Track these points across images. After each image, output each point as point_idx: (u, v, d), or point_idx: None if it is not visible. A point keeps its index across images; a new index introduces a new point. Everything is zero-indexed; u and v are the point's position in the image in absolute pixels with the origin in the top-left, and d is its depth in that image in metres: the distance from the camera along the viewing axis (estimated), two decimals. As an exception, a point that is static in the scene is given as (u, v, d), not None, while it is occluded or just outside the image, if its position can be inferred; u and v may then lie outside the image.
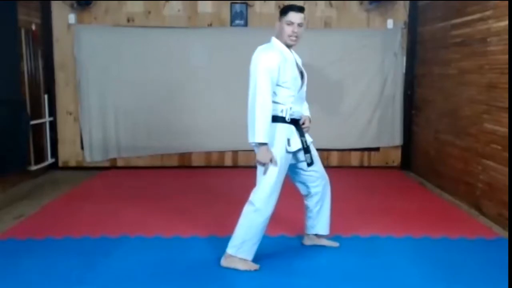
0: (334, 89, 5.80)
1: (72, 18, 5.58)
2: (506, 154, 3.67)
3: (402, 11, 5.74)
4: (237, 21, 5.61)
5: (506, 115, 3.67)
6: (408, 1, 5.71)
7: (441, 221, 3.90)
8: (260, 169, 2.86)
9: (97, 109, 5.65)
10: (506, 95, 3.67)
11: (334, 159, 5.97)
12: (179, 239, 3.44)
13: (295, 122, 2.92)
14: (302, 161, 3.01)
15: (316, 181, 3.14)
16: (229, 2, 5.61)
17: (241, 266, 2.90)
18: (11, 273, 2.87)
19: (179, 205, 4.28)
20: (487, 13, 4.00)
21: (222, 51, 5.55)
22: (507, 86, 3.66)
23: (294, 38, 2.85)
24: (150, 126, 5.73)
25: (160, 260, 3.06)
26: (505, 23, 3.71)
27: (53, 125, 5.71)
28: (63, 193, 4.71)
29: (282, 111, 2.84)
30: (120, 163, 5.85)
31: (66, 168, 5.79)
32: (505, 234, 3.60)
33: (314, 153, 3.10)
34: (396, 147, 5.96)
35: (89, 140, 5.70)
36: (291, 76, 2.85)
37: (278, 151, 2.84)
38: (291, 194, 4.55)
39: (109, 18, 5.62)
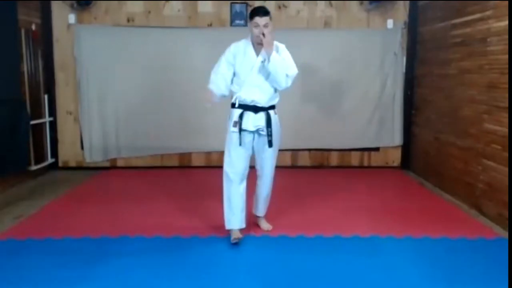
0: (334, 89, 5.79)
1: (72, 18, 5.58)
2: (506, 154, 3.67)
3: (402, 11, 5.74)
4: (237, 21, 5.61)
5: (506, 115, 3.67)
6: (408, 1, 5.71)
7: (441, 221, 3.90)
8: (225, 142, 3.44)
9: (97, 109, 5.65)
10: (506, 95, 3.67)
11: (334, 159, 5.97)
12: (179, 239, 3.44)
13: (245, 107, 3.33)
14: (257, 145, 3.43)
15: (259, 167, 3.52)
16: (229, 2, 5.62)
17: (232, 238, 3.35)
18: (11, 273, 2.87)
19: (179, 205, 4.28)
20: (487, 13, 4.00)
21: (222, 51, 5.54)
22: (507, 86, 3.66)
23: (260, 38, 3.24)
24: (150, 126, 5.73)
25: (160, 260, 3.06)
26: (505, 23, 3.71)
27: (53, 125, 5.71)
28: (63, 193, 4.71)
29: (234, 98, 3.37)
30: (120, 163, 5.85)
31: (66, 168, 5.79)
32: (505, 234, 3.60)
33: (268, 150, 3.42)
34: (396, 147, 5.96)
35: (89, 140, 5.70)
36: (243, 69, 3.32)
37: (229, 132, 3.38)
38: (291, 194, 4.56)
39: (109, 18, 5.62)
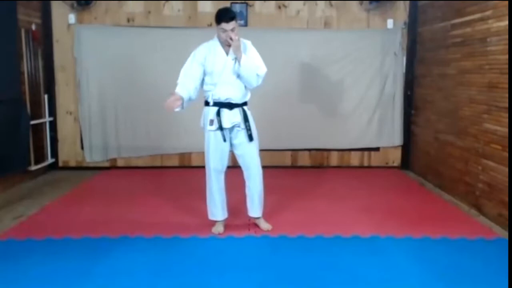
0: (334, 89, 5.79)
1: (72, 18, 5.58)
2: (506, 154, 3.67)
3: (402, 11, 5.74)
4: (237, 21, 5.60)
5: (506, 115, 3.67)
6: (408, 1, 5.71)
7: (441, 221, 3.90)
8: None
9: (97, 109, 5.65)
10: (506, 95, 3.67)
11: (334, 159, 5.97)
12: (179, 239, 3.44)
13: (220, 104, 3.42)
14: (237, 141, 3.50)
15: (244, 166, 3.57)
16: (229, 2, 5.62)
17: (213, 228, 3.59)
18: (11, 273, 2.87)
19: (179, 205, 4.28)
20: (487, 13, 4.00)
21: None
22: (507, 86, 3.66)
23: (229, 41, 3.31)
24: (150, 126, 5.73)
25: (160, 259, 3.06)
26: (505, 23, 3.71)
27: (53, 125, 5.71)
28: (63, 193, 4.71)
29: (208, 97, 3.45)
30: (120, 163, 5.85)
31: (66, 168, 5.79)
32: (505, 234, 3.60)
33: (249, 145, 3.50)
34: (396, 147, 5.96)
35: (89, 140, 5.70)
36: (215, 67, 3.38)
37: (206, 130, 3.49)
38: (291, 194, 4.56)
39: (109, 18, 5.62)
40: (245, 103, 3.51)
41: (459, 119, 4.52)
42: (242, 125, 3.45)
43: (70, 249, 3.24)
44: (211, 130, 3.43)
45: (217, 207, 3.58)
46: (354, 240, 3.44)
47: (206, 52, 3.41)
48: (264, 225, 3.66)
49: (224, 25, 3.29)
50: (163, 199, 4.50)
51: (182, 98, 3.33)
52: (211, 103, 3.42)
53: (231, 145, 3.53)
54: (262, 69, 3.45)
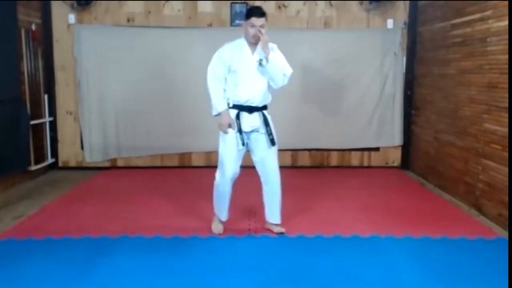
0: (334, 89, 5.79)
1: (72, 18, 5.58)
2: (506, 154, 3.67)
3: (402, 11, 5.74)
4: (237, 21, 5.61)
5: (506, 115, 3.67)
6: (408, 1, 5.71)
7: (441, 221, 3.90)
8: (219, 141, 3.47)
9: (97, 109, 5.65)
10: (506, 95, 3.67)
11: (334, 159, 5.97)
12: (179, 239, 3.44)
13: (240, 107, 3.36)
14: (256, 145, 3.43)
15: (262, 172, 3.49)
16: (229, 2, 5.62)
17: (213, 229, 3.58)
18: (11, 273, 2.87)
19: (179, 205, 4.28)
20: (487, 13, 4.00)
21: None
22: (507, 86, 3.66)
23: (256, 38, 3.29)
24: (150, 126, 5.73)
25: (160, 260, 3.06)
26: (505, 23, 3.71)
27: (53, 125, 5.71)
28: (63, 193, 4.71)
29: (228, 98, 3.37)
30: (120, 163, 5.85)
31: (66, 168, 5.79)
32: (505, 234, 3.60)
33: (269, 150, 3.44)
34: (396, 147, 5.96)
35: (89, 140, 5.70)
36: (240, 67, 3.32)
37: (226, 134, 3.39)
38: (291, 194, 4.56)
39: (109, 18, 5.62)
40: (265, 107, 3.43)
41: (459, 119, 4.52)
42: (263, 129, 3.37)
43: (70, 249, 3.24)
44: (229, 133, 3.36)
45: (224, 210, 3.55)
46: (354, 240, 3.44)
47: (231, 51, 3.35)
48: (279, 229, 3.56)
49: (254, 20, 3.26)
50: (163, 199, 4.50)
51: (228, 110, 3.35)
52: (231, 105, 3.36)
53: (249, 150, 3.46)
54: (288, 70, 3.39)
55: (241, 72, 3.33)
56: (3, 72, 4.56)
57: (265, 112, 3.42)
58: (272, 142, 3.39)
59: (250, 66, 3.34)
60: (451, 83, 4.71)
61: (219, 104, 3.34)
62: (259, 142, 3.41)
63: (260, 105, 3.39)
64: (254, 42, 3.31)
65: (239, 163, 3.43)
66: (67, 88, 5.71)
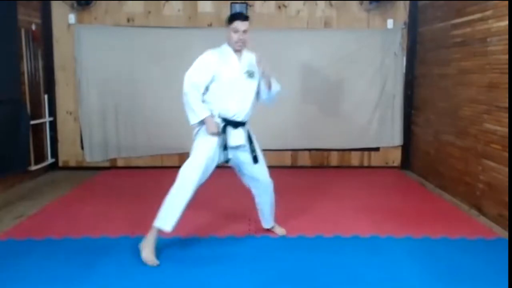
0: (334, 89, 5.79)
1: (72, 18, 5.58)
2: (506, 154, 3.67)
3: (402, 11, 5.74)
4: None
5: (506, 115, 3.67)
6: (408, 1, 5.71)
7: (441, 221, 3.90)
8: (194, 146, 3.22)
9: (97, 109, 5.66)
10: (506, 95, 3.67)
11: (334, 159, 5.97)
12: (179, 239, 3.43)
13: (226, 121, 3.14)
14: (241, 161, 3.25)
15: (254, 184, 3.36)
16: (229, 2, 5.62)
17: (144, 253, 3.04)
18: (11, 273, 2.87)
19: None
20: (487, 13, 4.00)
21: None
22: (507, 86, 3.66)
23: (240, 44, 3.11)
24: (150, 126, 5.73)
25: (160, 260, 3.06)
26: (505, 23, 3.71)
27: (53, 125, 5.71)
28: (63, 193, 4.71)
29: (212, 110, 3.13)
30: (120, 163, 5.85)
31: (66, 168, 5.79)
32: (505, 234, 3.60)
33: (259, 157, 3.29)
34: (396, 147, 5.96)
35: (89, 140, 5.70)
36: (228, 77, 3.10)
37: (208, 142, 3.15)
38: (291, 194, 4.56)
39: (109, 18, 5.62)
40: (246, 122, 3.24)
41: (459, 119, 4.52)
42: (247, 147, 3.20)
43: (70, 249, 3.24)
44: (214, 140, 3.13)
45: (176, 218, 3.09)
46: (354, 240, 3.44)
47: (217, 57, 3.11)
48: (279, 230, 3.55)
49: (237, 24, 3.05)
50: (163, 199, 4.48)
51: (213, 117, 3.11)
52: (217, 117, 3.14)
53: (233, 166, 3.32)
54: (279, 86, 3.28)
55: (229, 82, 3.11)
56: (3, 72, 4.56)
57: (248, 127, 3.25)
58: (255, 160, 3.22)
59: (238, 76, 3.13)
60: (451, 83, 4.71)
61: (201, 110, 3.08)
62: (246, 159, 3.24)
63: (246, 119, 3.20)
64: (238, 49, 3.13)
65: (210, 173, 3.19)
66: (67, 88, 5.71)
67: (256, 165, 3.27)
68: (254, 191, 3.41)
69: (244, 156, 3.24)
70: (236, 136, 3.17)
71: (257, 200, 3.45)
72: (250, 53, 3.22)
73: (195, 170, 3.10)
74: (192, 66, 3.14)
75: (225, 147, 3.13)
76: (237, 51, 3.15)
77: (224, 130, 3.13)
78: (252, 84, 3.20)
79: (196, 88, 3.09)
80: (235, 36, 3.08)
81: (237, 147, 3.19)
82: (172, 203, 3.12)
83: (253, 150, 3.21)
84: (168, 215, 3.08)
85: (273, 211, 3.51)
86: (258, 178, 3.32)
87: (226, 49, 3.17)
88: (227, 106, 3.12)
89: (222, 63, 3.11)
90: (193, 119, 3.14)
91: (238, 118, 3.16)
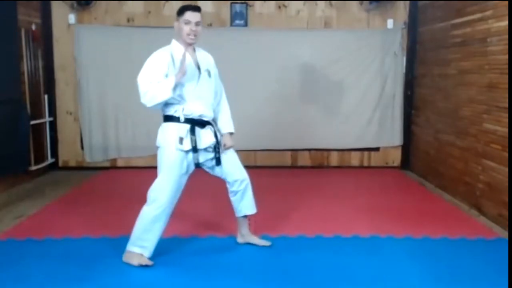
0: (334, 89, 5.79)
1: (72, 18, 5.58)
2: (506, 154, 3.67)
3: (402, 11, 5.75)
4: (237, 21, 5.60)
5: (506, 115, 3.67)
6: (408, 1, 5.72)
7: (441, 221, 3.90)
8: (158, 163, 2.99)
9: (97, 109, 5.66)
10: (506, 95, 3.67)
11: (334, 159, 5.97)
12: (179, 239, 3.43)
13: (193, 121, 2.94)
14: (209, 160, 3.06)
15: (231, 181, 3.15)
16: (229, 2, 5.62)
17: (135, 261, 2.94)
18: (11, 273, 2.87)
19: (178, 205, 4.26)
20: (487, 13, 4.00)
21: (222, 51, 5.54)
22: (507, 86, 3.66)
23: (192, 37, 2.91)
24: (150, 126, 5.70)
25: (159, 260, 3.05)
26: (505, 23, 3.71)
27: (53, 125, 5.71)
28: (63, 193, 4.71)
29: (176, 111, 2.93)
30: (120, 163, 5.85)
31: (66, 168, 5.79)
32: (505, 234, 3.60)
33: (231, 156, 3.14)
34: (396, 147, 5.96)
35: (89, 140, 5.70)
36: (187, 79, 2.88)
37: (170, 150, 2.91)
38: (291, 194, 4.55)
39: (109, 18, 5.62)
40: (212, 120, 3.07)
41: (459, 119, 4.52)
42: (211, 148, 3.01)
43: (70, 249, 3.24)
44: (182, 150, 2.90)
45: (152, 243, 2.96)
46: (354, 240, 3.43)
47: (170, 56, 2.94)
48: (260, 241, 3.32)
49: (189, 15, 2.85)
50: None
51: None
52: (182, 119, 2.91)
53: (206, 169, 3.13)
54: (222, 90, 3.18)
55: (189, 85, 2.92)
56: (3, 72, 4.56)
57: (214, 126, 3.08)
58: (217, 161, 3.02)
59: (195, 74, 2.95)
60: (451, 83, 4.71)
61: (166, 82, 2.84)
62: (209, 159, 3.05)
63: (211, 119, 3.04)
64: (190, 42, 2.92)
65: (182, 186, 3.03)
66: (67, 88, 5.71)
67: (231, 163, 3.11)
68: (230, 185, 3.19)
69: (210, 159, 3.06)
70: (207, 136, 2.99)
71: (231, 188, 3.19)
72: (205, 52, 3.10)
73: (162, 189, 2.96)
74: (143, 68, 2.99)
75: (194, 149, 2.93)
76: (189, 45, 2.95)
77: (193, 132, 2.92)
78: (211, 83, 3.05)
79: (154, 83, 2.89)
80: (186, 28, 2.88)
81: (205, 149, 3.00)
82: (144, 227, 2.98)
83: (217, 151, 3.02)
84: (141, 238, 2.96)
85: (251, 194, 3.22)
86: (234, 172, 3.12)
87: (176, 46, 2.98)
88: (191, 106, 2.93)
89: (176, 61, 2.91)
90: (167, 92, 2.81)
91: (205, 117, 2.99)
